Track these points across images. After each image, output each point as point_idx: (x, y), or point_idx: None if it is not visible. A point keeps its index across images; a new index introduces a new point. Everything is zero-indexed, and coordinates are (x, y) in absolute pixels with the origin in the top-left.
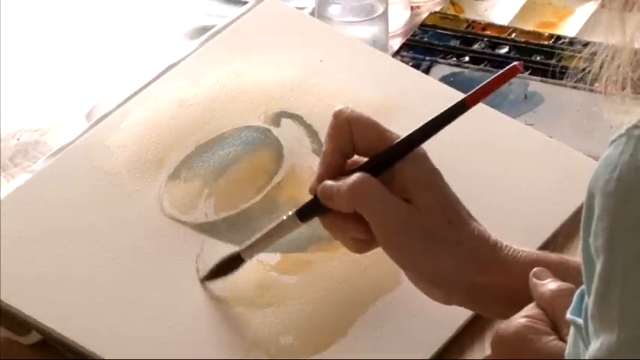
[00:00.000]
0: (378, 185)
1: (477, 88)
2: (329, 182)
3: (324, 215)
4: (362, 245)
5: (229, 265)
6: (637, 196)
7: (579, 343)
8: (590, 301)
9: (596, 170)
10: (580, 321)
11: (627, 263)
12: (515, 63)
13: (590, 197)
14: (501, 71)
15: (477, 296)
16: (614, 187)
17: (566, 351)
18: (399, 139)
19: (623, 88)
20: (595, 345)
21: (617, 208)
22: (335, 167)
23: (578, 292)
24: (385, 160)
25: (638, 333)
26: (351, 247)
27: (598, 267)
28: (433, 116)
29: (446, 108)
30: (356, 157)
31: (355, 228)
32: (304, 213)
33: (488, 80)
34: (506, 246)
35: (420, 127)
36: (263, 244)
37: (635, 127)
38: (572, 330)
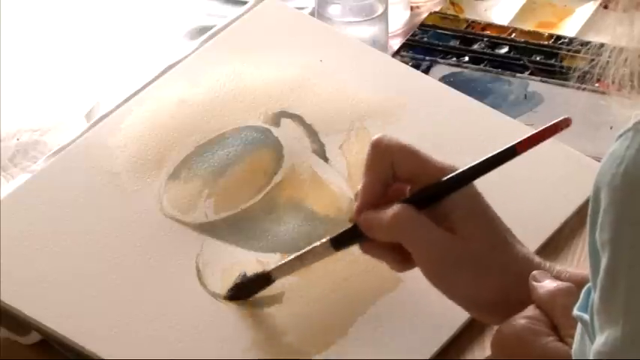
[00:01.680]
0: (418, 217)
1: (531, 133)
2: (370, 213)
3: (361, 243)
4: (400, 267)
5: (256, 283)
6: None
7: (586, 340)
8: (595, 296)
9: (602, 165)
10: (586, 317)
11: (633, 257)
12: (565, 117)
13: (597, 192)
14: (554, 122)
15: None
16: (621, 181)
17: (573, 347)
18: (448, 177)
19: (631, 82)
20: (600, 340)
21: (623, 202)
22: (376, 197)
23: (585, 288)
24: (430, 195)
25: None
26: (394, 269)
27: (604, 261)
28: (486, 156)
29: (501, 149)
30: (398, 184)
31: (392, 256)
32: (340, 241)
33: (541, 129)
34: (550, 266)
35: (471, 167)
36: (293, 266)
37: None
38: (579, 326)
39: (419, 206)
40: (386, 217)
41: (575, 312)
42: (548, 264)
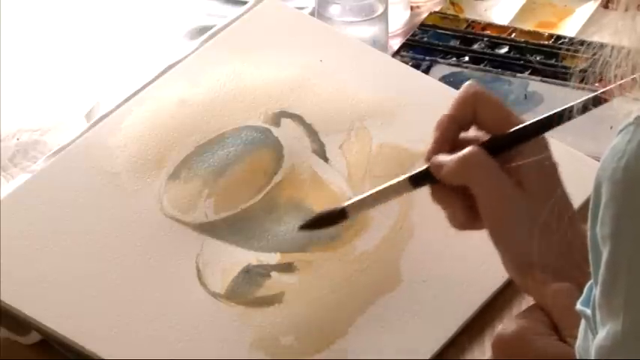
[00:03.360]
0: (489, 161)
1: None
2: (441, 156)
3: (434, 185)
4: (466, 222)
5: (331, 218)
6: None
7: (589, 335)
8: (597, 291)
9: (603, 159)
10: (589, 312)
11: (633, 251)
12: None
13: (598, 186)
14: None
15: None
16: (622, 175)
17: (577, 343)
18: (523, 125)
19: (633, 78)
20: (601, 334)
21: (624, 196)
22: (449, 134)
23: (588, 284)
24: (505, 141)
25: None
26: (456, 223)
27: (604, 255)
28: (561, 107)
29: (579, 100)
30: (474, 133)
31: (462, 203)
32: (417, 179)
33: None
34: None
35: (547, 116)
36: (370, 202)
37: None
38: (582, 322)
39: (491, 151)
40: (456, 158)
41: (578, 306)
42: None
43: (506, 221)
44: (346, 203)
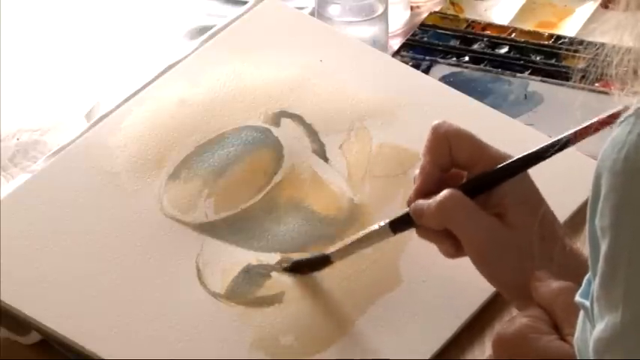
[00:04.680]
0: (466, 202)
1: (586, 124)
2: (420, 200)
3: (416, 227)
4: (457, 253)
5: (316, 264)
6: None
7: (587, 327)
8: (595, 283)
9: (603, 150)
10: (587, 303)
11: (633, 243)
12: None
13: (598, 177)
14: (611, 111)
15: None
16: (622, 166)
17: (575, 335)
18: (501, 166)
19: (635, 71)
20: (600, 326)
21: (624, 188)
22: (433, 180)
23: (587, 276)
24: (481, 183)
25: None
26: (446, 255)
27: (603, 247)
28: (539, 146)
29: (554, 139)
30: (455, 170)
31: (448, 242)
32: (397, 225)
33: (599, 119)
34: None
35: (523, 156)
36: (352, 249)
37: None
38: (580, 314)
39: (470, 193)
40: (434, 203)
41: (577, 298)
42: None
43: (490, 258)
44: (330, 250)
